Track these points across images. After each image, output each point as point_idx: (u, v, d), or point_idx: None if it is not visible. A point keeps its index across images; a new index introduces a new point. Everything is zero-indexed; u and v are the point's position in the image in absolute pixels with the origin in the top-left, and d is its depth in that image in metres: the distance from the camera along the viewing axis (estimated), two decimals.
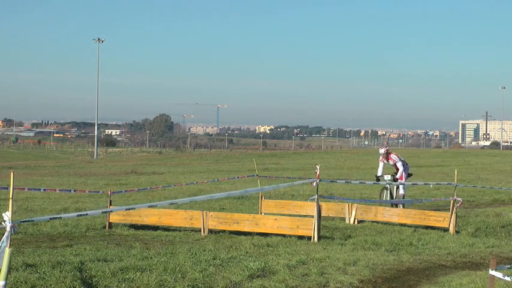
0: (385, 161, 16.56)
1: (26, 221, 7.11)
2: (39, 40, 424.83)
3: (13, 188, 5.81)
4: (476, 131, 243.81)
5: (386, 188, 16.24)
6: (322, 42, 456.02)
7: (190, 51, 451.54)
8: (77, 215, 9.63)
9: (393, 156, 16.50)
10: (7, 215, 5.81)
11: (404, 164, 16.59)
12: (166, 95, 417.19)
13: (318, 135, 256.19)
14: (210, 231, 11.83)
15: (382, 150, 16.57)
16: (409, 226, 13.59)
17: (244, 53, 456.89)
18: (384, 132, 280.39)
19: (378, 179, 16.60)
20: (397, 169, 16.44)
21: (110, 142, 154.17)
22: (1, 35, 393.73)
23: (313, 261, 8.67)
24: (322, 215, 12.94)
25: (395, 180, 16.41)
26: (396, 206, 15.76)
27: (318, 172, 11.15)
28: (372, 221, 14.09)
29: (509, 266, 6.33)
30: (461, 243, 11.25)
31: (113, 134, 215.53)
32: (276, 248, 10.04)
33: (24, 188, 15.58)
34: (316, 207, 11.20)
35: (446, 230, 12.95)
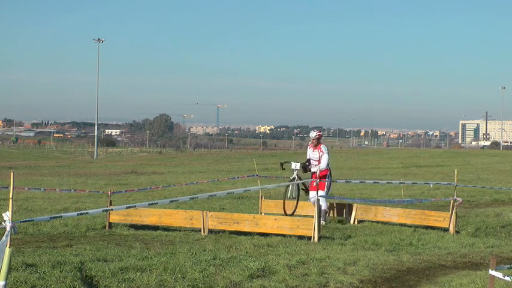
0: (312, 149, 13.62)
1: (26, 221, 7.12)
2: (39, 40, 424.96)
3: (13, 188, 5.82)
4: (476, 131, 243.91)
5: (293, 180, 13.32)
6: (322, 42, 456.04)
7: (190, 51, 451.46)
8: (77, 214, 9.65)
9: (323, 147, 13.53)
10: (7, 215, 5.81)
11: (329, 164, 13.61)
12: (166, 95, 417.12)
13: None
14: (210, 231, 11.83)
15: (313, 134, 13.69)
16: (409, 226, 13.59)
17: (244, 52, 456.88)
18: (384, 132, 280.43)
19: (281, 165, 13.85)
20: (319, 162, 13.43)
21: (110, 142, 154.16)
22: (1, 34, 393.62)
23: (313, 261, 8.67)
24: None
25: (305, 171, 13.44)
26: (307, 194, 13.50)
27: (318, 172, 11.16)
28: (372, 221, 14.09)
29: (509, 266, 6.33)
30: (461, 243, 11.25)
31: (113, 134, 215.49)
32: (276, 248, 10.04)
33: (24, 188, 15.60)
34: (316, 207, 11.21)
35: (446, 230, 12.95)
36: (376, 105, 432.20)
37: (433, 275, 8.43)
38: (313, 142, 13.57)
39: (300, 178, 13.25)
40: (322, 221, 12.85)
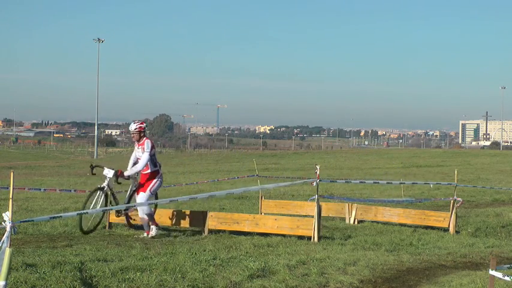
0: (137, 146, 11.32)
1: (26, 221, 7.12)
2: (39, 40, 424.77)
3: (13, 188, 5.82)
4: (476, 131, 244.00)
5: (102, 189, 11.09)
6: (321, 42, 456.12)
7: (190, 51, 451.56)
8: (77, 214, 9.62)
9: (146, 143, 11.14)
10: (7, 215, 5.81)
11: (156, 164, 11.30)
12: (166, 95, 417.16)
13: (318, 135, 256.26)
14: (210, 231, 11.83)
15: (133, 126, 11.23)
16: (409, 226, 13.60)
17: (244, 52, 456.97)
18: (384, 132, 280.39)
19: (92, 168, 11.45)
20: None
21: (110, 142, 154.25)
22: (1, 34, 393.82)
23: (313, 261, 8.67)
24: (322, 215, 12.94)
25: (116, 176, 11.06)
26: (121, 213, 11.42)
27: (318, 172, 11.15)
28: (372, 221, 14.10)
29: (509, 266, 6.33)
30: (461, 243, 11.26)
31: (113, 134, 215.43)
32: (276, 248, 10.04)
33: (24, 188, 15.61)
34: (316, 207, 11.20)
35: (446, 230, 12.96)
36: (376, 105, 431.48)
37: (433, 275, 8.43)
38: (134, 137, 11.31)
39: (110, 189, 11.18)
40: (147, 233, 11.12)
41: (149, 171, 11.18)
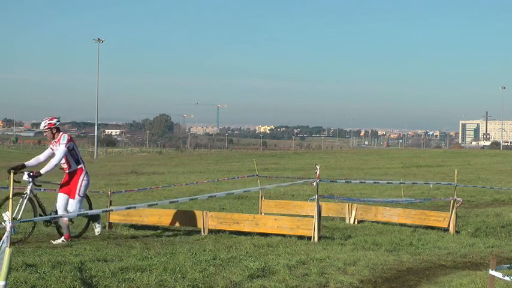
0: (54, 145, 10.33)
1: (26, 221, 7.11)
2: (39, 40, 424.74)
3: (13, 188, 5.82)
4: (476, 131, 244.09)
5: (22, 196, 10.08)
6: (322, 42, 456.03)
7: (191, 51, 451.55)
8: (77, 215, 9.62)
9: (63, 137, 10.28)
10: (7, 215, 5.82)
11: (79, 161, 10.52)
12: (166, 95, 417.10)
13: (318, 135, 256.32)
14: (210, 231, 11.83)
15: (42, 124, 10.35)
16: (409, 226, 13.60)
17: (244, 52, 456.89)
18: (384, 132, 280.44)
19: (14, 171, 9.56)
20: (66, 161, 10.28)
21: (110, 142, 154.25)
22: (0, 34, 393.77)
23: (313, 261, 8.67)
24: (322, 215, 12.94)
25: (33, 177, 10.04)
26: (51, 224, 10.49)
27: (318, 172, 11.15)
28: (372, 221, 14.10)
29: (509, 266, 6.33)
30: (461, 243, 11.26)
31: (113, 134, 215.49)
32: (276, 248, 10.04)
33: (24, 188, 15.54)
34: (316, 207, 11.20)
35: (446, 230, 12.96)
36: (376, 105, 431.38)
37: (433, 275, 8.43)
38: (47, 136, 10.41)
39: (34, 195, 10.30)
40: (59, 240, 10.16)
41: (70, 170, 10.44)
